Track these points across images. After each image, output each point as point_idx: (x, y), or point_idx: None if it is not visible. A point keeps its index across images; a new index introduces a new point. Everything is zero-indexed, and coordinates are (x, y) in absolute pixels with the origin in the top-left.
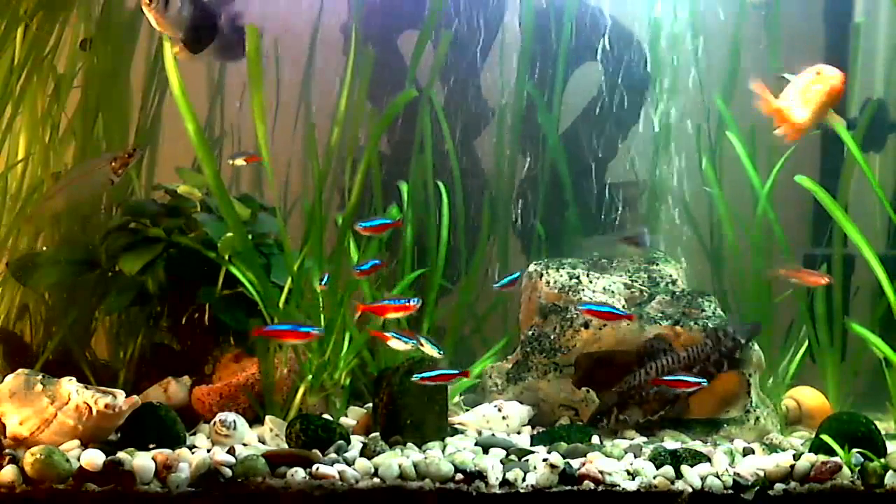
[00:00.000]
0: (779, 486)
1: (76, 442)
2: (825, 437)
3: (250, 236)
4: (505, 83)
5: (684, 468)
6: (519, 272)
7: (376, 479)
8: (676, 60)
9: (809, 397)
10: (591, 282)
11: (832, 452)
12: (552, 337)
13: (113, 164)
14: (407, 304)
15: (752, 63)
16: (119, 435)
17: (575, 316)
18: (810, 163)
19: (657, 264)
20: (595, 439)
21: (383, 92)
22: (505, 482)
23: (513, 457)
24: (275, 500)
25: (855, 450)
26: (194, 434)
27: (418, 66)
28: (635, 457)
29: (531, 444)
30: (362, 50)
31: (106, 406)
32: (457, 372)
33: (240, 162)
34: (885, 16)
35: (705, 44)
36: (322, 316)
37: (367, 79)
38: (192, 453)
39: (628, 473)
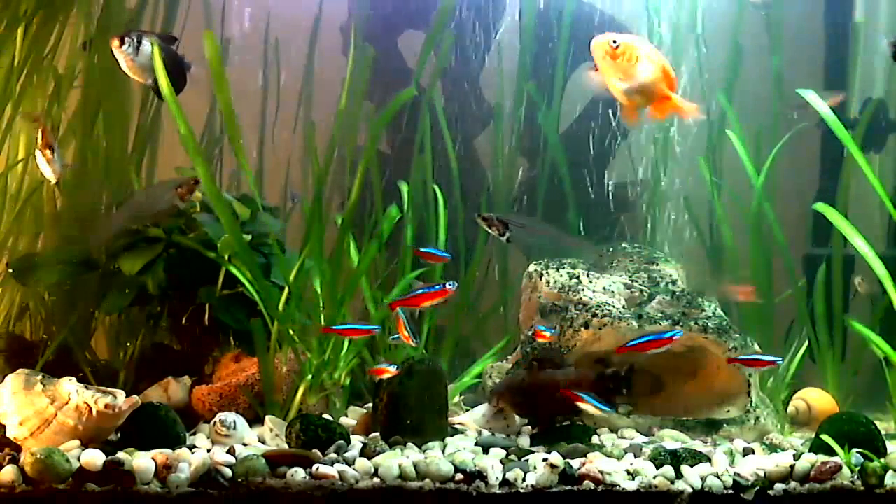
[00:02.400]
0: (779, 487)
1: (76, 442)
2: (825, 438)
3: (249, 236)
4: (505, 82)
5: (684, 468)
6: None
7: (376, 479)
8: (676, 59)
9: (819, 399)
10: (591, 282)
11: (832, 452)
12: None
13: (179, 190)
14: (444, 288)
15: (753, 62)
16: (119, 435)
17: (575, 316)
18: (810, 162)
19: (657, 264)
20: (595, 439)
21: (384, 92)
22: (505, 482)
23: (513, 457)
24: (275, 500)
25: (855, 450)
26: (194, 434)
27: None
28: (635, 457)
29: (531, 444)
30: (361, 50)
31: (106, 406)
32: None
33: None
34: (885, 16)
35: (706, 43)
36: (322, 316)
37: (364, 78)
38: (192, 453)
39: (628, 473)
